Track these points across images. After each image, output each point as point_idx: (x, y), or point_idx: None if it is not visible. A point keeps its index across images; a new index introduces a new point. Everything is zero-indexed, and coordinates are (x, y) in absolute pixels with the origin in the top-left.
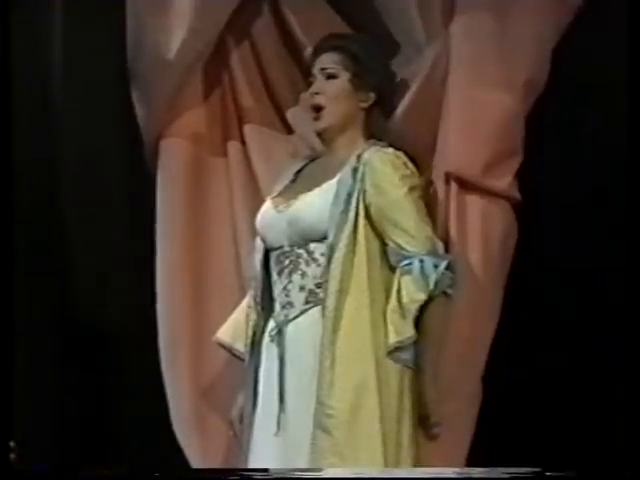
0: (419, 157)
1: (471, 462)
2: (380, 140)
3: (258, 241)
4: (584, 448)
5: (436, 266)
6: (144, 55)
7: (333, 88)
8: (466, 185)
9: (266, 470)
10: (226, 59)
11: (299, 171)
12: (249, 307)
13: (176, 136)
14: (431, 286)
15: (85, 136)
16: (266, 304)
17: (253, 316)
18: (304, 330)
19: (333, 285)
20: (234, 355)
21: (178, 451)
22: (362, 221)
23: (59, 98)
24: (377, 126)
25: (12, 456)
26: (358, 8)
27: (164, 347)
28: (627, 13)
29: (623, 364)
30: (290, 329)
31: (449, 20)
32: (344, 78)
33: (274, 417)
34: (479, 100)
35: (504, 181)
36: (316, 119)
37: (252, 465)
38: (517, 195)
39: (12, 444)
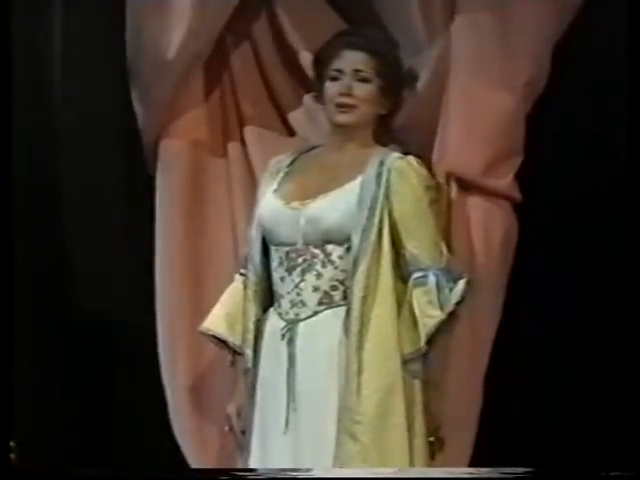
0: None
1: (471, 462)
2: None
3: (254, 234)
4: (583, 448)
5: (449, 282)
6: (144, 55)
7: (364, 92)
8: (466, 185)
9: (254, 470)
10: (226, 59)
11: (290, 164)
12: (248, 301)
13: (176, 136)
14: (450, 308)
15: (85, 136)
16: (265, 300)
17: (254, 310)
18: (317, 331)
19: (358, 290)
20: (225, 347)
21: (177, 451)
22: (386, 228)
23: (59, 98)
24: (386, 131)
25: (12, 456)
26: (356, 7)
27: (163, 347)
28: (627, 13)
29: (624, 364)
30: (301, 329)
31: (450, 20)
32: (375, 84)
33: (281, 416)
34: (479, 100)
35: (504, 181)
36: (343, 112)
37: (259, 463)
38: (518, 195)
39: (12, 444)
